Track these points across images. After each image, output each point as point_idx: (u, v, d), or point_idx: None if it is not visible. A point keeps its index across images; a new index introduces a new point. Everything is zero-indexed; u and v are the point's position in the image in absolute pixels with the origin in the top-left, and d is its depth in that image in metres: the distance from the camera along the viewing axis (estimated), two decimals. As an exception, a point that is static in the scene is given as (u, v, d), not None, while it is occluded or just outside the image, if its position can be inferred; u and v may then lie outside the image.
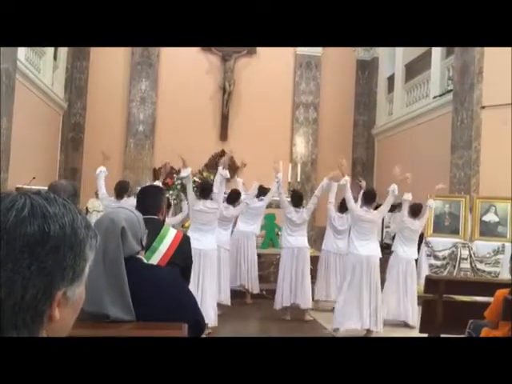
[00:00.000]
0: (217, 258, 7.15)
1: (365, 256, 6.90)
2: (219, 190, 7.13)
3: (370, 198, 7.30)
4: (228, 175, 7.41)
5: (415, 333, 7.01)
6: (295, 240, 8.03)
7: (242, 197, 8.56)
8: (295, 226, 8.03)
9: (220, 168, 7.28)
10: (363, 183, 8.65)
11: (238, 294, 8.92)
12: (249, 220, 9.08)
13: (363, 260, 6.90)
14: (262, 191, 9.51)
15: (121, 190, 7.60)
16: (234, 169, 16.09)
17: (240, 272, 8.95)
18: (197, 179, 13.66)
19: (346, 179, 7.41)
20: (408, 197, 8.04)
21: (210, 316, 6.46)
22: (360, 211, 7.12)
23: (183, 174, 7.25)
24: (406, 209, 8.08)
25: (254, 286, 9.08)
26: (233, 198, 8.12)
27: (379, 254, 7.07)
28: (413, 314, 7.79)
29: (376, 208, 7.48)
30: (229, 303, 7.92)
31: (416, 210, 8.23)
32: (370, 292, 6.89)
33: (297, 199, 8.25)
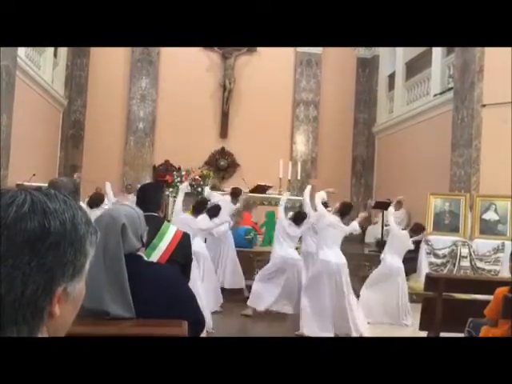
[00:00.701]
0: (198, 267, 7.15)
1: (335, 263, 6.86)
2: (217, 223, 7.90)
3: (345, 211, 7.17)
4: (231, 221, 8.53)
5: (409, 331, 7.05)
6: (292, 252, 8.16)
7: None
8: (289, 238, 8.12)
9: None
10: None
11: (235, 291, 8.90)
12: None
13: (333, 267, 6.84)
14: (261, 190, 9.54)
15: (92, 203, 7.96)
16: (233, 166, 16.16)
17: (223, 273, 8.91)
18: (197, 177, 13.67)
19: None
20: (391, 210, 8.07)
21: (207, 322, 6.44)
22: (333, 218, 7.02)
23: (182, 186, 7.75)
24: (391, 221, 8.02)
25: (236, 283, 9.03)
26: (213, 212, 8.09)
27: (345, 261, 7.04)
28: (407, 316, 7.75)
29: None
30: (218, 308, 7.93)
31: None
32: (345, 298, 6.84)
33: (297, 219, 8.30)
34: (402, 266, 7.94)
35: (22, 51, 11.02)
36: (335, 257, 6.88)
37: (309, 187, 8.17)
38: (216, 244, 8.81)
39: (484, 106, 10.04)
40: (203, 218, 7.70)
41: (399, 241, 7.93)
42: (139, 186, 4.23)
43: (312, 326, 6.79)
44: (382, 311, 7.69)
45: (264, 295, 7.98)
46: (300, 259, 8.15)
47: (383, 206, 13.33)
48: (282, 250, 8.09)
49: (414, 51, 14.48)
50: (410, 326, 7.56)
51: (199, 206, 7.77)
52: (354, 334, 6.81)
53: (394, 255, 7.88)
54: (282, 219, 8.18)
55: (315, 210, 7.72)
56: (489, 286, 5.05)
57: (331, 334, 6.76)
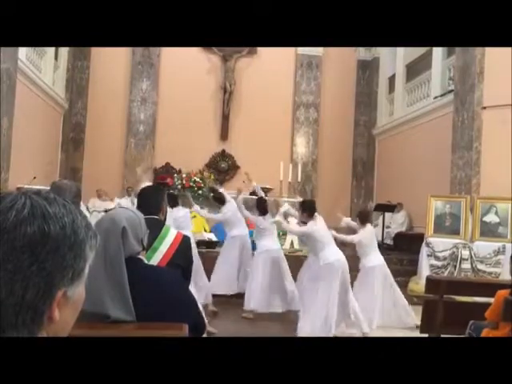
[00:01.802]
0: None
1: (338, 260, 6.81)
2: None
3: (312, 210, 7.00)
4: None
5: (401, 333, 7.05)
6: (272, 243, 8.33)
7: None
8: (263, 230, 8.22)
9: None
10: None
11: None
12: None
13: (342, 266, 6.81)
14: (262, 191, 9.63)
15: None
16: (234, 169, 16.17)
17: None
18: (197, 179, 13.68)
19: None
20: (345, 221, 7.99)
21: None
22: (316, 227, 6.84)
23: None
24: (344, 238, 7.74)
25: None
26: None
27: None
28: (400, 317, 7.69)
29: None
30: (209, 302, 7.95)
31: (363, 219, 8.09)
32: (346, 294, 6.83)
33: (259, 207, 8.36)
34: (382, 261, 7.82)
35: (22, 54, 11.03)
36: (335, 255, 6.83)
37: (285, 209, 7.85)
38: (235, 248, 8.87)
39: (484, 108, 10.04)
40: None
41: (369, 237, 7.80)
42: (139, 188, 4.23)
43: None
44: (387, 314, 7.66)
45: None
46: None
47: (384, 208, 13.36)
48: (272, 243, 8.19)
49: (415, 53, 14.49)
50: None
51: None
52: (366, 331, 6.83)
53: (372, 253, 7.75)
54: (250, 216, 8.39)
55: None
56: (490, 288, 5.04)
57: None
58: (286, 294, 8.00)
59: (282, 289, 8.03)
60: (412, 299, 8.86)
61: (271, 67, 15.89)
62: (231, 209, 8.87)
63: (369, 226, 7.83)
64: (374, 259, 7.70)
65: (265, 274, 8.06)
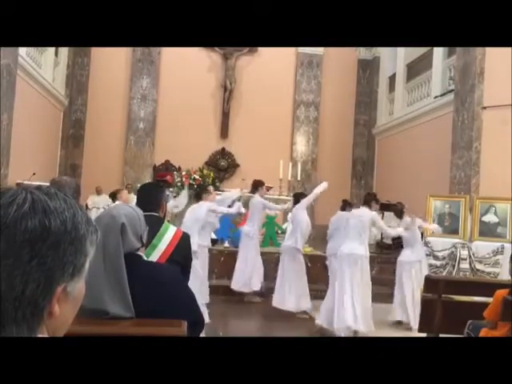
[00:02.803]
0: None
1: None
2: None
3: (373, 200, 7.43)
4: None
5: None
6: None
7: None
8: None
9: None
10: None
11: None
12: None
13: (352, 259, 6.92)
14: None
15: None
16: (234, 167, 16.17)
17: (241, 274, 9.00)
18: (197, 177, 13.68)
19: None
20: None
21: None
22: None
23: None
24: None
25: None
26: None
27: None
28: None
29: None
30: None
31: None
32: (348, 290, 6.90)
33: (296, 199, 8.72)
34: (414, 258, 7.98)
35: (23, 50, 11.03)
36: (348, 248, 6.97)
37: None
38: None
39: (484, 108, 10.03)
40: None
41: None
42: (139, 185, 4.23)
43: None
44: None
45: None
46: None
47: (383, 207, 13.35)
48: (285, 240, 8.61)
49: (415, 53, 14.48)
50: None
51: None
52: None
53: (409, 248, 8.03)
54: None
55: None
56: (488, 288, 5.04)
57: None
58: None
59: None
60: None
61: (272, 65, 15.88)
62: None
63: (405, 218, 8.31)
64: (409, 254, 8.01)
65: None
